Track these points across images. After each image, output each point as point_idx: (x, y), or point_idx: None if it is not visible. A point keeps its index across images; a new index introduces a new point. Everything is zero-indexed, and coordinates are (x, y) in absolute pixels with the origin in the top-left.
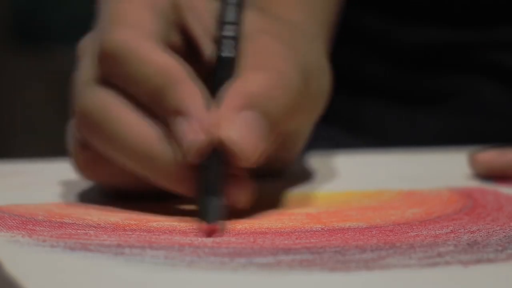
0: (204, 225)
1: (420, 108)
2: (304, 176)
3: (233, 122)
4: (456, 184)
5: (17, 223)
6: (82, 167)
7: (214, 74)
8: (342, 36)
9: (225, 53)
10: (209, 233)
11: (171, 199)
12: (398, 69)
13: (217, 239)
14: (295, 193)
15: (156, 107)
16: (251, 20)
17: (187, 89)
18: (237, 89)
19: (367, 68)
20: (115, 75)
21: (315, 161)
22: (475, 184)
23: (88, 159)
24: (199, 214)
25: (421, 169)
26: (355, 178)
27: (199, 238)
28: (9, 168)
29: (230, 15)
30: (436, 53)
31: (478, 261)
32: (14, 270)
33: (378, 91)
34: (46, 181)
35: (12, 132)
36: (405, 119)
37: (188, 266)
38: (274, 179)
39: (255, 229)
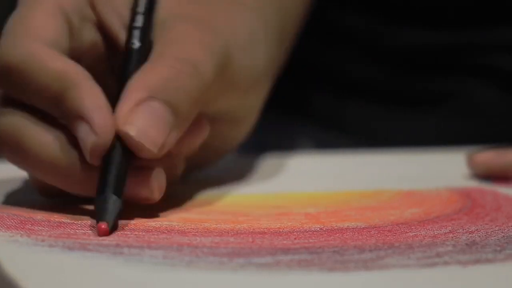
0: (98, 224)
1: (412, 110)
2: (302, 176)
3: (131, 116)
4: (455, 184)
5: (15, 222)
6: (46, 196)
7: (123, 66)
8: (333, 38)
9: (134, 45)
10: (100, 232)
11: None
12: (390, 71)
13: (216, 239)
14: (293, 193)
15: (59, 114)
16: (169, 6)
17: (85, 91)
18: (138, 82)
19: (358, 70)
20: (12, 89)
21: (314, 161)
22: (474, 184)
23: (30, 178)
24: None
25: (420, 169)
26: (354, 178)
27: (198, 238)
28: (8, 168)
29: (141, 4)
30: (429, 55)
31: (477, 261)
32: (13, 269)
33: (369, 93)
34: None
35: None
36: (396, 121)
37: (187, 266)
38: (269, 178)
39: (253, 229)
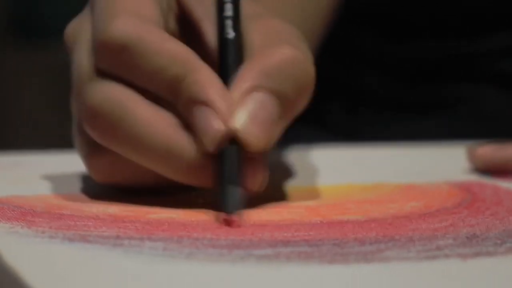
0: (224, 216)
1: (421, 117)
2: (303, 169)
3: (242, 109)
4: (455, 178)
5: (16, 214)
6: (98, 173)
7: (220, 57)
8: (345, 52)
9: (228, 34)
10: (229, 224)
11: (178, 192)
12: (399, 81)
13: (216, 231)
14: (294, 186)
15: (173, 98)
16: (248, 5)
17: (205, 77)
18: (249, 70)
19: (370, 82)
20: (122, 67)
21: (315, 154)
22: (474, 178)
23: (104, 163)
24: (218, 205)
25: (420, 163)
26: (354, 172)
27: (198, 230)
28: (8, 160)
29: None
30: (435, 65)
31: (477, 255)
32: (13, 261)
33: (380, 102)
34: (44, 173)
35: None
36: (407, 127)
37: (187, 258)
38: (272, 174)
39: (254, 221)
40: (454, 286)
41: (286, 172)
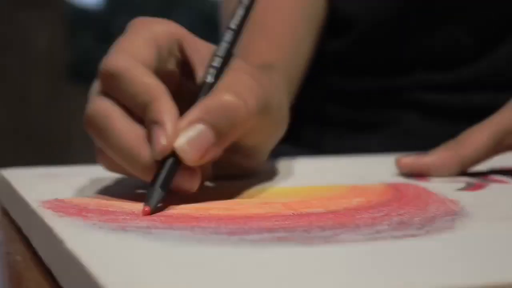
0: (143, 205)
1: (365, 135)
2: (279, 175)
3: (185, 133)
4: (387, 180)
5: (75, 210)
6: (102, 164)
7: (198, 93)
8: (315, 88)
9: (208, 79)
10: (144, 214)
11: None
12: (350, 107)
13: (218, 222)
14: (273, 188)
15: (143, 116)
16: (236, 61)
17: (161, 104)
18: (198, 107)
19: (330, 109)
20: (112, 89)
21: (289, 165)
22: (401, 180)
23: (102, 157)
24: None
25: (362, 169)
26: (316, 177)
27: (205, 222)
28: (69, 171)
29: (221, 50)
30: (374, 96)
31: (405, 236)
32: (74, 247)
33: (337, 124)
34: (97, 180)
35: (70, 145)
36: (356, 141)
37: (198, 242)
38: (258, 179)
39: (245, 214)
40: (389, 260)
41: (268, 177)
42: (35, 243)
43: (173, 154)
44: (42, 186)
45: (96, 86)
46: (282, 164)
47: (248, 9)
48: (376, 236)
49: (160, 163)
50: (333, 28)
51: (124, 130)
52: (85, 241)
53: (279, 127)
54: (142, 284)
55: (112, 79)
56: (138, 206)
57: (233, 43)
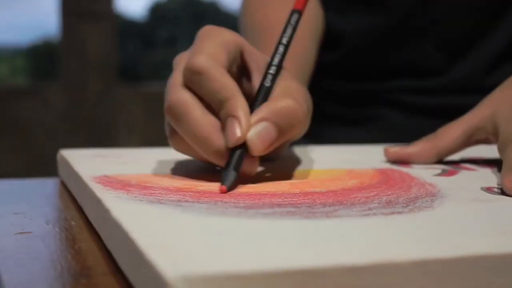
0: (220, 185)
1: (357, 128)
2: (290, 161)
3: (255, 128)
4: (377, 166)
5: (119, 185)
6: (174, 145)
7: (257, 95)
8: (315, 89)
9: (266, 83)
10: (221, 191)
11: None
12: (343, 105)
13: (237, 198)
14: (284, 170)
15: (218, 110)
16: (285, 70)
17: (238, 102)
18: (266, 107)
19: (328, 106)
20: (194, 84)
21: (296, 152)
22: (388, 166)
23: (176, 140)
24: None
25: (356, 156)
26: (319, 162)
27: (227, 197)
28: (116, 152)
29: (276, 60)
30: (363, 96)
31: (392, 213)
32: (118, 215)
33: (334, 119)
34: (138, 160)
35: (119, 131)
36: (350, 134)
37: (220, 215)
38: (271, 162)
39: (259, 192)
40: (379, 233)
41: (279, 162)
42: (86, 211)
43: (242, 144)
44: (93, 165)
45: (176, 78)
46: (291, 152)
47: (295, 28)
48: (368, 212)
49: (230, 150)
50: (327, 43)
51: (202, 119)
52: (127, 210)
53: (309, 121)
54: (173, 246)
55: (195, 75)
56: (172, 183)
57: (284, 55)
